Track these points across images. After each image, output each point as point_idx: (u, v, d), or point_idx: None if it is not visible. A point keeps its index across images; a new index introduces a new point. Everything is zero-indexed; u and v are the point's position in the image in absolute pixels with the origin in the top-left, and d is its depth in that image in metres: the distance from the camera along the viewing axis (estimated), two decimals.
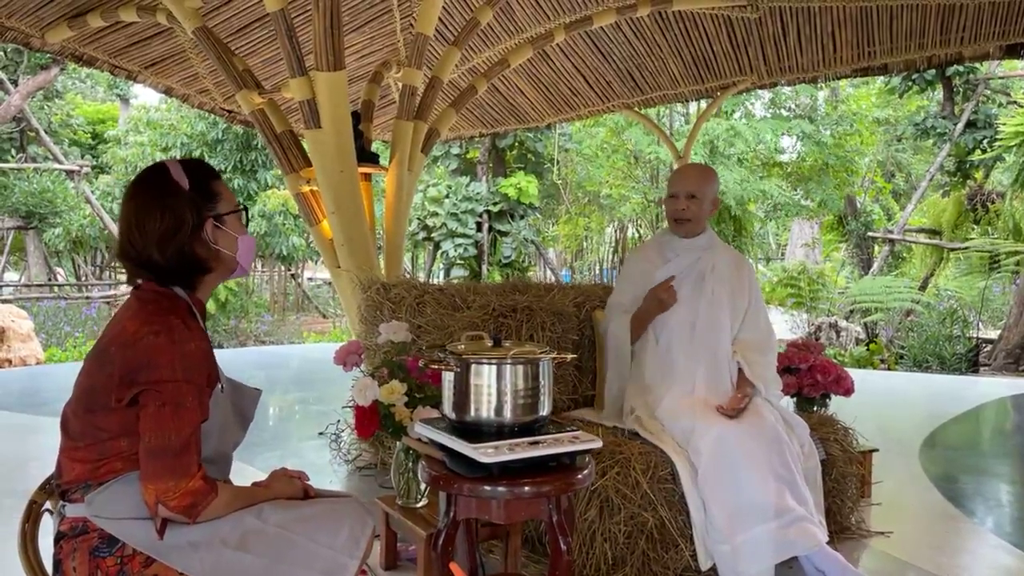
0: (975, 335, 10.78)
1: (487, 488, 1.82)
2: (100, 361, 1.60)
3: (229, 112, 7.20)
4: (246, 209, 1.82)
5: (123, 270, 1.88)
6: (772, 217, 16.23)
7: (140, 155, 14.75)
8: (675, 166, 8.88)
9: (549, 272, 19.07)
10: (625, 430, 2.96)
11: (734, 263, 3.15)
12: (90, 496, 1.58)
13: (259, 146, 14.52)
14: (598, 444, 1.92)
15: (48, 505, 1.69)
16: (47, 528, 1.68)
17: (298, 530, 1.66)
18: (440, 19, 5.60)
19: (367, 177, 5.01)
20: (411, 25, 6.05)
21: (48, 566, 1.64)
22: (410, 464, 2.64)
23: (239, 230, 1.75)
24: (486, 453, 1.78)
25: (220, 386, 1.70)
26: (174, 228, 1.63)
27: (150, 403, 1.53)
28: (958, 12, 5.70)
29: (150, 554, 1.56)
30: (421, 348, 3.19)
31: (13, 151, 16.80)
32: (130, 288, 1.73)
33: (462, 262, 15.63)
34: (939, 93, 14.55)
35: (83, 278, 18.13)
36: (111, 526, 1.57)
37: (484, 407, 1.89)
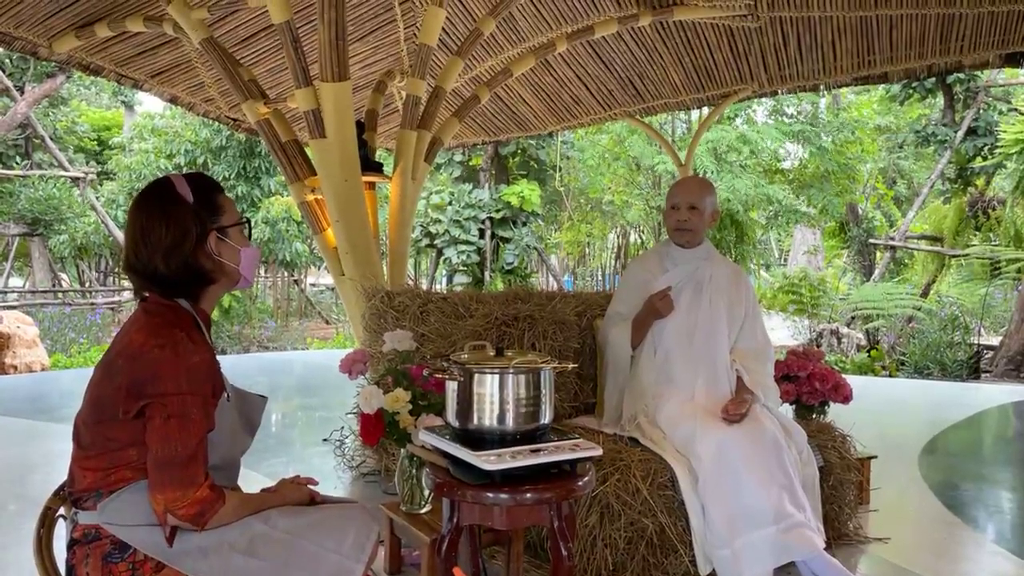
0: (976, 342, 10.80)
1: (490, 495, 1.86)
2: (108, 372, 1.64)
3: (234, 120, 7.26)
4: (249, 222, 1.86)
5: (127, 278, 1.92)
6: (773, 224, 16.26)
7: (145, 162, 14.82)
8: (677, 174, 8.93)
9: (552, 278, 19.11)
10: (625, 437, 3.00)
11: (732, 274, 3.21)
12: (102, 504, 1.62)
13: (263, 153, 14.58)
14: (598, 452, 1.96)
15: (62, 511, 1.73)
16: (61, 533, 1.72)
17: (305, 535, 1.70)
18: (443, 29, 5.65)
19: (371, 186, 5.06)
20: (414, 35, 6.10)
21: (62, 571, 1.68)
22: (414, 471, 2.68)
23: (242, 242, 1.80)
24: (489, 460, 1.82)
25: (226, 395, 1.74)
26: (179, 240, 1.67)
27: (156, 415, 1.56)
28: (957, 21, 5.74)
29: (161, 559, 1.60)
30: (425, 356, 3.23)
31: (19, 158, 16.89)
32: (135, 296, 1.77)
33: (465, 269, 15.68)
34: (940, 100, 14.59)
35: (87, 284, 18.19)
36: (123, 533, 1.61)
37: (487, 415, 1.93)
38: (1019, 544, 3.44)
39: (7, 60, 15.00)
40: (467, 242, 15.52)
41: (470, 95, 5.87)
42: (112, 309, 14.93)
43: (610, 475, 2.68)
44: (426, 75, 4.86)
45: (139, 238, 1.68)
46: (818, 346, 11.54)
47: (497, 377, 1.92)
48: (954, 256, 13.38)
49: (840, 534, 3.26)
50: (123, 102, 21.18)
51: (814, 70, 6.65)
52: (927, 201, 14.84)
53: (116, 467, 1.62)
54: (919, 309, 11.41)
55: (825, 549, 2.66)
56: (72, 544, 1.64)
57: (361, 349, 3.32)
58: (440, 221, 15.54)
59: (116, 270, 18.80)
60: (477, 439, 1.94)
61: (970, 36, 5.87)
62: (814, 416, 3.74)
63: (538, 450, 1.90)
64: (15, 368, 8.74)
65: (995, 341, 11.27)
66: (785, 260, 22.41)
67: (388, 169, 5.41)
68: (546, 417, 1.98)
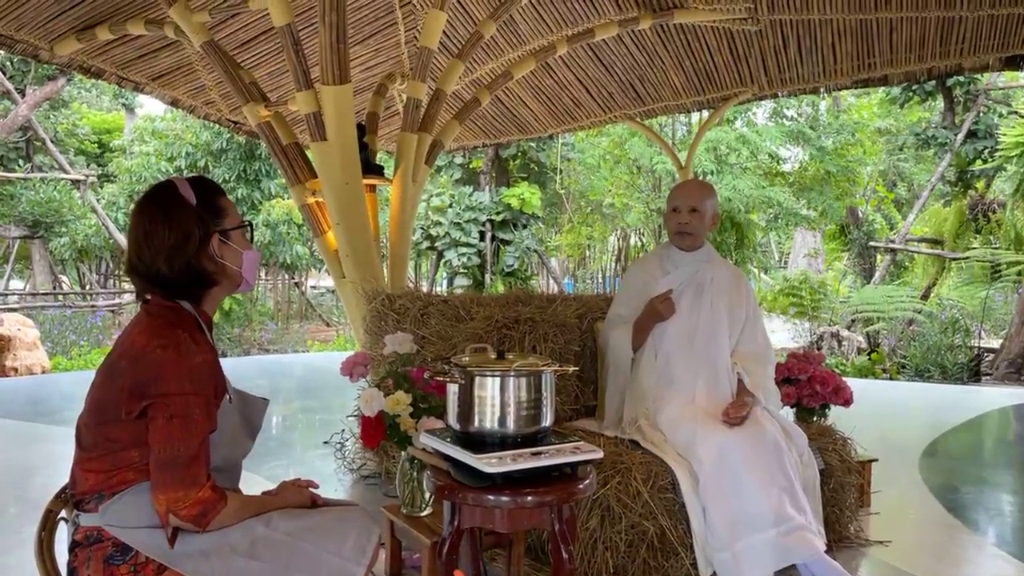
0: (977, 345, 10.79)
1: (491, 497, 1.86)
2: (110, 374, 1.65)
3: (235, 123, 7.27)
4: (251, 225, 1.87)
5: (130, 281, 1.93)
6: (773, 227, 16.27)
7: (145, 165, 14.83)
8: (677, 176, 8.93)
9: (552, 281, 19.11)
10: (626, 440, 3.00)
11: (732, 277, 3.22)
12: (104, 506, 1.62)
13: (263, 156, 14.60)
14: (599, 455, 1.96)
15: (63, 513, 1.73)
16: (61, 536, 1.72)
17: (306, 538, 1.70)
18: (444, 32, 5.66)
19: (372, 188, 5.06)
20: (415, 38, 6.12)
21: (63, 573, 1.68)
22: (415, 473, 2.68)
23: (244, 245, 1.81)
24: (490, 463, 1.82)
25: (228, 397, 1.74)
26: (182, 242, 1.68)
27: (159, 415, 1.57)
28: (958, 24, 5.75)
29: (162, 562, 1.60)
30: (426, 359, 3.23)
31: (20, 161, 16.89)
32: (136, 299, 1.78)
33: (465, 271, 15.68)
34: (940, 103, 14.60)
35: (88, 287, 18.20)
36: (124, 535, 1.61)
37: (488, 418, 1.93)
38: (1020, 547, 3.44)
39: (8, 63, 15.01)
40: (467, 244, 15.52)
41: (471, 98, 5.87)
42: (113, 311, 14.93)
43: (611, 478, 2.68)
44: (427, 78, 4.87)
45: (142, 240, 1.69)
46: (818, 349, 11.54)
47: (498, 380, 1.92)
48: (954, 259, 13.37)
49: (841, 537, 3.26)
50: (124, 105, 21.19)
51: (814, 73, 6.66)
52: (927, 204, 14.84)
53: (118, 469, 1.63)
54: (919, 312, 11.41)
55: (826, 552, 2.66)
56: (73, 546, 1.65)
57: (362, 352, 3.33)
58: (441, 223, 15.54)
59: (117, 272, 18.81)
60: (478, 442, 1.94)
61: (970, 39, 5.88)
62: (815, 419, 3.74)
63: (539, 453, 1.90)
64: (16, 370, 8.75)
65: (995, 344, 11.26)
66: (785, 263, 22.42)
67: (389, 172, 5.42)
68: (547, 420, 1.98)
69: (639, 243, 18.77)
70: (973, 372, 10.08)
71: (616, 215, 16.90)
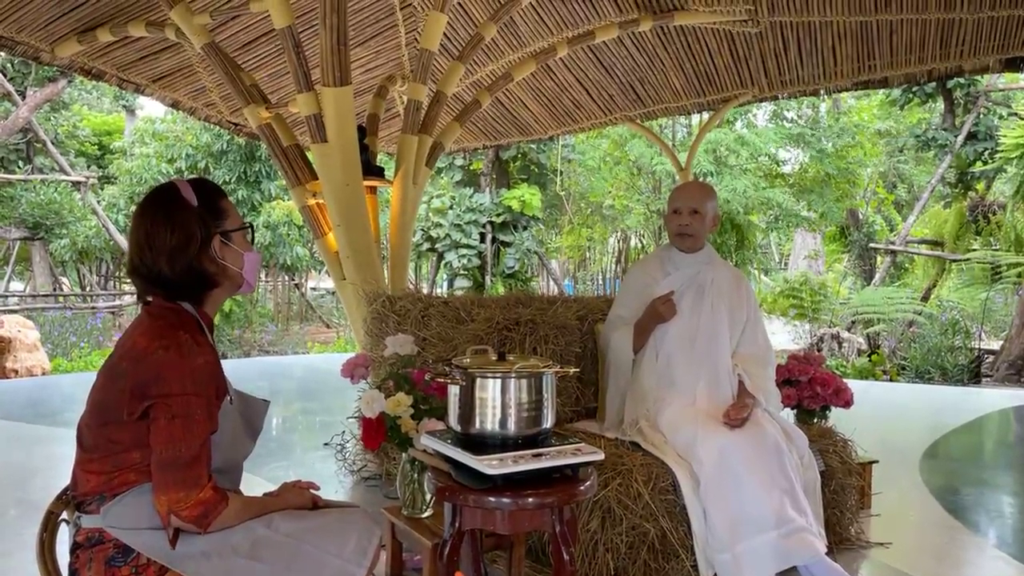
0: (977, 346, 10.79)
1: (492, 499, 1.85)
2: (112, 375, 1.65)
3: (235, 125, 7.27)
4: (252, 226, 1.88)
5: (130, 281, 1.93)
6: (774, 228, 16.26)
7: (146, 166, 14.83)
8: (678, 177, 8.94)
9: (552, 283, 19.11)
10: (627, 441, 3.00)
11: (733, 278, 3.22)
12: (105, 507, 1.62)
13: (263, 157, 14.60)
14: (600, 456, 1.96)
15: (64, 515, 1.73)
16: (63, 537, 1.72)
17: (307, 539, 1.71)
18: (444, 34, 5.67)
19: (372, 190, 5.07)
20: (416, 40, 6.12)
21: (64, 575, 1.68)
22: (415, 475, 2.68)
23: (245, 247, 1.81)
24: (491, 465, 1.82)
25: (229, 398, 1.74)
26: (183, 243, 1.68)
27: (161, 416, 1.57)
28: (958, 26, 5.76)
29: (164, 563, 1.60)
30: (427, 361, 3.24)
31: (20, 162, 16.90)
32: (137, 300, 1.78)
33: (465, 273, 15.68)
34: (940, 105, 14.60)
35: (88, 288, 18.20)
36: (126, 536, 1.61)
37: (489, 420, 1.93)
38: (1020, 548, 3.44)
39: (9, 64, 15.02)
40: (468, 246, 15.52)
41: (471, 100, 5.88)
42: (113, 313, 14.94)
43: (611, 479, 2.68)
44: (427, 80, 4.87)
45: (144, 242, 1.69)
46: (819, 350, 11.54)
47: (499, 381, 1.92)
48: (955, 260, 13.38)
49: (842, 539, 3.26)
50: (124, 106, 21.20)
51: (814, 75, 6.67)
52: (928, 205, 14.85)
53: (119, 470, 1.63)
54: (920, 313, 11.41)
55: (826, 554, 2.66)
56: (75, 548, 1.65)
57: (363, 353, 3.33)
58: (441, 225, 15.54)
59: (117, 274, 18.81)
60: (479, 443, 1.94)
61: (970, 41, 5.89)
62: (815, 421, 3.74)
63: (540, 454, 1.90)
64: (16, 372, 8.74)
65: (996, 345, 11.26)
66: (786, 264, 22.41)
67: (389, 173, 5.42)
68: (548, 421, 1.98)
69: (639, 245, 18.78)
70: (973, 374, 10.08)
71: (616, 216, 16.91)
